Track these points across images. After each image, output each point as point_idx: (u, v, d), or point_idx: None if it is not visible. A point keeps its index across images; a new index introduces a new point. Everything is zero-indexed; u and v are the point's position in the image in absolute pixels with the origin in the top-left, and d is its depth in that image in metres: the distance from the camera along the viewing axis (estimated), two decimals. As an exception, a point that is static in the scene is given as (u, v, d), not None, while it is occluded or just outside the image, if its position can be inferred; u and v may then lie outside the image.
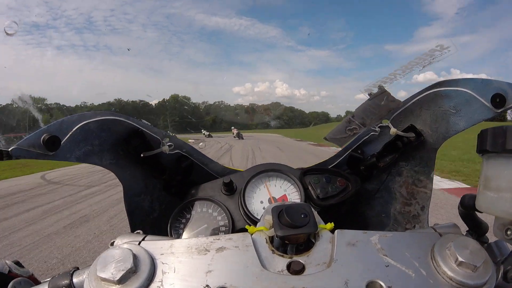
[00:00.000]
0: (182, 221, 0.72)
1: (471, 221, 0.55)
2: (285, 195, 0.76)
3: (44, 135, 0.51)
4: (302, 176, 0.76)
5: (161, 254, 0.39)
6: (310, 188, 0.75)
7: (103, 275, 0.35)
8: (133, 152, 0.69)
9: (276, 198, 0.76)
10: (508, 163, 0.40)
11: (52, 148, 0.52)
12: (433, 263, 0.38)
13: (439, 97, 0.64)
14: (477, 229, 0.56)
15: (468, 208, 0.52)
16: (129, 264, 0.35)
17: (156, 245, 0.40)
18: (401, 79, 0.66)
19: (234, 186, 0.77)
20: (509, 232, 0.41)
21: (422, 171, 0.73)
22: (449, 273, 0.36)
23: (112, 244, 0.45)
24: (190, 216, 0.72)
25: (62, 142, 0.54)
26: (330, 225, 0.44)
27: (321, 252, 0.40)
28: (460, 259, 0.36)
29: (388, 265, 0.37)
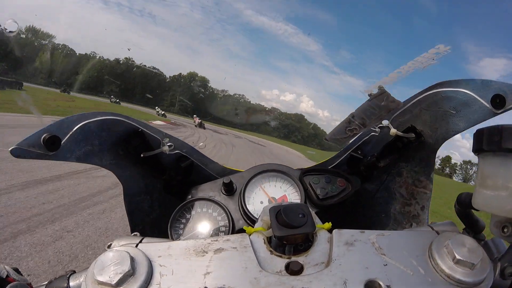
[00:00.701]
0: (182, 221, 0.72)
1: (468, 219, 0.56)
2: (285, 195, 0.76)
3: (45, 135, 0.51)
4: (302, 177, 0.77)
5: (158, 256, 0.39)
6: (310, 188, 0.75)
7: (100, 278, 0.34)
8: (133, 152, 0.69)
9: (276, 198, 0.76)
10: (504, 161, 0.40)
11: (52, 148, 0.52)
12: (431, 261, 0.38)
13: (439, 98, 0.64)
14: (473, 227, 0.56)
15: (464, 206, 0.52)
16: (126, 267, 0.35)
17: (153, 247, 0.40)
18: (402, 79, 0.66)
19: (234, 187, 0.77)
20: (505, 230, 0.41)
21: (422, 171, 0.73)
22: (447, 271, 0.36)
23: (109, 246, 0.44)
24: (190, 216, 0.72)
25: (62, 142, 0.54)
26: (328, 225, 0.44)
27: (319, 252, 0.40)
28: (457, 257, 0.36)
29: (386, 264, 0.37)
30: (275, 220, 0.41)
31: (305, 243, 0.41)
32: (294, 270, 0.38)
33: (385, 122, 0.74)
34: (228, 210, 0.72)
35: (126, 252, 0.37)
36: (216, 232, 0.70)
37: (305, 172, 0.78)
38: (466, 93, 0.58)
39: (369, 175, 0.81)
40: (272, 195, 0.76)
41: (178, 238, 0.68)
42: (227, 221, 0.71)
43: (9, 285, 0.43)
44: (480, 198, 0.44)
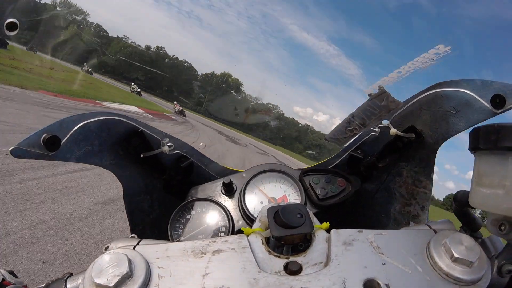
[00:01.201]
0: (182, 221, 0.72)
1: (465, 217, 0.56)
2: (285, 195, 0.76)
3: (44, 135, 0.51)
4: (302, 177, 0.77)
5: (156, 258, 0.39)
6: (310, 188, 0.75)
7: (98, 280, 0.34)
8: (133, 152, 0.69)
9: (276, 198, 0.76)
10: (500, 160, 0.40)
11: (52, 148, 0.52)
12: (429, 259, 0.38)
13: (439, 97, 0.64)
14: (471, 225, 0.56)
15: (461, 204, 0.52)
16: (124, 269, 0.35)
17: (151, 249, 0.40)
18: (402, 80, 0.66)
19: (234, 187, 0.77)
20: (502, 228, 0.41)
21: (422, 171, 0.73)
22: (445, 269, 0.36)
23: (106, 249, 0.44)
24: (190, 217, 0.72)
25: (62, 142, 0.54)
26: (326, 224, 0.44)
27: (318, 252, 0.40)
28: (455, 255, 0.36)
29: (384, 263, 0.37)
30: (273, 220, 0.41)
31: (303, 243, 0.41)
32: (292, 270, 0.38)
33: (385, 122, 0.74)
34: (228, 211, 0.72)
35: (124, 254, 0.37)
36: (216, 233, 0.70)
37: (305, 172, 0.78)
38: (466, 93, 0.59)
39: (369, 175, 0.81)
40: (272, 195, 0.76)
41: (178, 238, 0.68)
42: (227, 221, 0.71)
43: None
44: (476, 196, 0.44)
